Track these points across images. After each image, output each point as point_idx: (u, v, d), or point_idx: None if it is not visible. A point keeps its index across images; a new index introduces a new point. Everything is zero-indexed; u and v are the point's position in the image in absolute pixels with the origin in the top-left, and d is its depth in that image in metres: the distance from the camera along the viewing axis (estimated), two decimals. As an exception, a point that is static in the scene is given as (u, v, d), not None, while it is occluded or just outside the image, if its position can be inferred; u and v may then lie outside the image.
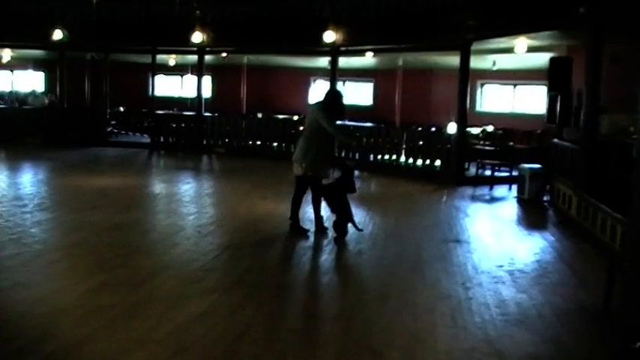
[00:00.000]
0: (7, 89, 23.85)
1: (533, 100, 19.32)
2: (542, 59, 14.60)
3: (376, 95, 22.94)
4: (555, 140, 12.46)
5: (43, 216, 9.41)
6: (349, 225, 8.57)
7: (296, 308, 5.92)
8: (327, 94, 9.04)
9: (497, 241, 9.16)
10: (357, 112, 21.58)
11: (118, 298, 5.84)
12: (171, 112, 21.94)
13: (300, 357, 4.73)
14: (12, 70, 24.65)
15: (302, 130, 8.82)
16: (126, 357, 4.58)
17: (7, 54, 21.70)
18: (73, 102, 21.38)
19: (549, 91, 12.86)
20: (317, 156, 8.44)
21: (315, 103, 9.02)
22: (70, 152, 18.00)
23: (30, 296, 5.80)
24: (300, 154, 8.51)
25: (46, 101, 22.01)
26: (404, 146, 16.10)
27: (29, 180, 13.34)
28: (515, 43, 14.09)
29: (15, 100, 21.97)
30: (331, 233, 8.59)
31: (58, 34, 18.78)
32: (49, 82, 23.74)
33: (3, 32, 18.97)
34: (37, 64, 24.48)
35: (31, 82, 24.24)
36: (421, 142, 15.79)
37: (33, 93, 22.39)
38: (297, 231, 8.69)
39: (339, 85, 18.89)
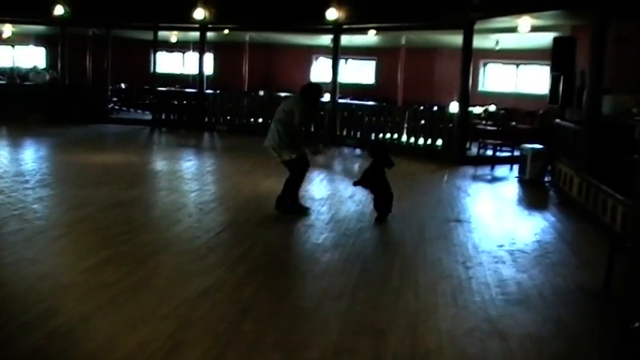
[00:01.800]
0: (9, 65, 23.73)
1: (536, 80, 19.24)
2: (546, 39, 14.53)
3: (379, 74, 22.86)
4: (557, 121, 12.44)
5: (45, 192, 9.44)
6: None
7: (299, 286, 5.96)
8: (310, 89, 8.83)
9: (498, 220, 9.18)
10: (360, 90, 21.57)
11: (122, 274, 5.88)
12: (173, 89, 21.87)
13: (303, 334, 4.77)
14: (13, 46, 24.53)
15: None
16: (130, 332, 4.61)
17: (8, 29, 21.58)
18: (75, 78, 21.34)
19: (552, 71, 12.82)
20: (294, 139, 8.51)
21: (296, 96, 9.03)
22: (71, 129, 17.99)
23: (34, 272, 5.84)
24: (277, 141, 8.51)
25: (48, 77, 21.94)
26: (406, 125, 16.08)
27: (31, 156, 13.35)
28: (519, 22, 14.00)
29: (16, 76, 21.89)
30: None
31: (59, 10, 18.72)
32: (51, 58, 23.64)
33: (4, 7, 18.86)
34: (38, 40, 24.35)
35: (32, 58, 24.12)
36: (423, 122, 15.77)
37: (34, 69, 22.31)
38: (298, 210, 8.69)
39: (341, 63, 18.77)
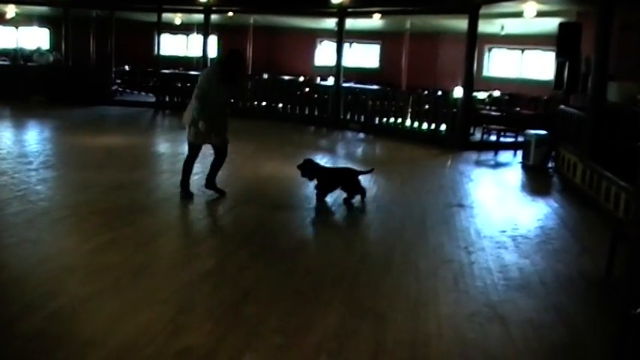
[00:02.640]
0: (12, 46, 23.68)
1: (540, 66, 19.18)
2: (551, 24, 14.45)
3: (383, 58, 22.82)
4: (562, 107, 12.40)
5: (49, 174, 9.45)
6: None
7: (300, 270, 5.97)
8: (227, 56, 8.01)
9: (501, 206, 9.17)
10: (364, 74, 21.52)
11: (124, 257, 5.89)
12: (176, 71, 21.84)
13: (304, 318, 4.78)
14: (16, 27, 24.48)
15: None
16: (131, 315, 4.63)
17: (11, 10, 21.52)
18: (78, 60, 21.31)
19: (557, 57, 12.76)
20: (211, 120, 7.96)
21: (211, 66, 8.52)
22: (74, 111, 17.98)
23: (36, 254, 5.85)
24: (189, 118, 8.04)
25: (51, 59, 21.91)
26: (410, 110, 16.04)
27: (34, 138, 13.35)
28: (525, 7, 13.94)
29: (20, 57, 21.86)
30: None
31: (63, -9, 18.65)
32: (54, 40, 23.60)
33: (8, -12, 18.85)
34: (41, 21, 24.30)
35: (36, 39, 24.06)
36: (427, 106, 15.73)
37: (38, 50, 22.26)
38: (186, 195, 8.30)
39: (345, 47, 18.72)
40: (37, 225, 6.79)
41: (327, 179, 8.47)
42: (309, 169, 8.47)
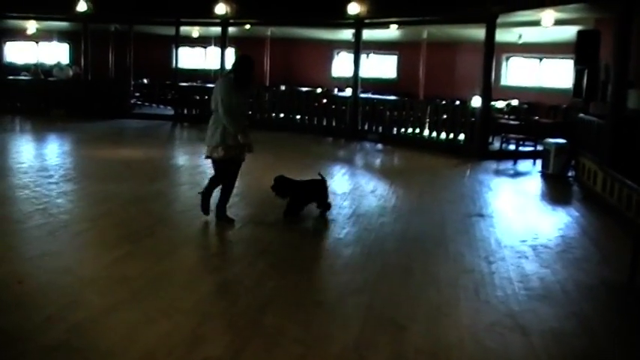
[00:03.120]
0: (33, 61, 23.94)
1: (559, 74, 19.07)
2: (570, 32, 14.40)
3: (400, 68, 22.80)
4: (581, 115, 12.33)
5: (69, 187, 9.52)
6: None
7: (319, 280, 5.96)
8: (237, 63, 7.61)
9: (521, 215, 9.11)
10: (381, 85, 21.51)
11: (144, 268, 5.92)
12: (194, 84, 21.96)
13: (323, 329, 4.76)
14: (37, 42, 24.76)
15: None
16: (151, 326, 4.64)
17: (32, 26, 21.79)
18: (98, 74, 21.51)
19: (576, 64, 12.70)
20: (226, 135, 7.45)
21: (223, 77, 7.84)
22: (94, 124, 18.13)
23: (58, 266, 5.89)
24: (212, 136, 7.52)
25: (71, 73, 22.12)
26: (428, 120, 16.01)
27: (54, 151, 13.47)
28: (542, 15, 13.88)
29: (40, 72, 22.09)
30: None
31: (82, 6, 18.88)
32: (74, 54, 23.83)
33: (28, 4, 19.07)
34: (61, 36, 24.53)
35: (56, 53, 24.32)
36: (445, 116, 15.69)
37: (58, 65, 22.49)
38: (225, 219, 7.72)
39: (363, 58, 18.75)
40: (58, 237, 6.84)
41: (303, 193, 8.20)
42: (285, 187, 8.07)
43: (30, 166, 11.09)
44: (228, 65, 20.36)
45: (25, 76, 21.87)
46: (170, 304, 5.08)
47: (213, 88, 7.77)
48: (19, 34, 23.55)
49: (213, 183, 7.81)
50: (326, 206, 8.33)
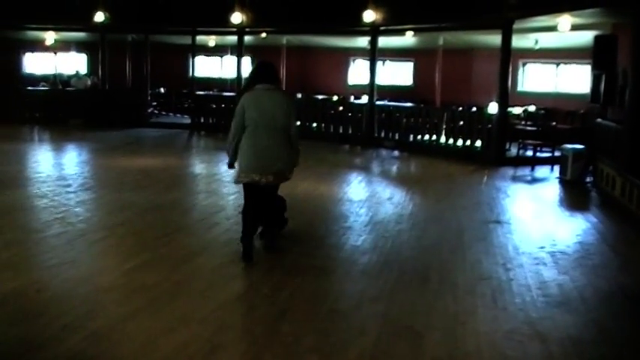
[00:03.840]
0: (51, 71, 24.15)
1: (576, 80, 18.97)
2: (587, 37, 14.32)
3: (416, 75, 22.76)
4: (599, 120, 12.25)
5: (87, 196, 9.59)
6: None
7: (336, 288, 5.95)
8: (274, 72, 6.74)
9: (539, 222, 9.06)
10: (397, 92, 21.49)
11: (161, 276, 5.94)
12: (211, 92, 22.04)
13: (340, 337, 4.75)
14: (55, 53, 24.97)
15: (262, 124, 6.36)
16: (169, 335, 4.65)
17: (50, 37, 22.00)
18: (115, 83, 21.68)
19: (593, 70, 12.62)
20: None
21: (279, 89, 6.67)
22: (112, 133, 18.26)
23: (75, 274, 5.93)
24: (281, 157, 6.44)
25: (89, 83, 22.29)
26: (444, 126, 15.96)
27: (73, 160, 13.57)
28: (559, 21, 13.82)
29: (58, 82, 22.28)
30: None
31: (99, 17, 19.04)
32: (91, 64, 24.01)
33: (46, 15, 19.26)
34: (79, 47, 24.75)
35: (74, 64, 24.52)
36: (462, 122, 15.64)
37: (76, 75, 22.68)
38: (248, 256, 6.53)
39: (379, 65, 18.77)
40: (76, 246, 6.89)
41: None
42: None
43: (48, 175, 11.18)
44: (245, 74, 20.60)
45: (43, 86, 22.06)
46: (187, 313, 5.09)
47: (261, 100, 6.43)
48: (38, 45, 23.80)
49: (256, 216, 6.65)
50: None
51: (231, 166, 6.68)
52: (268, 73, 6.61)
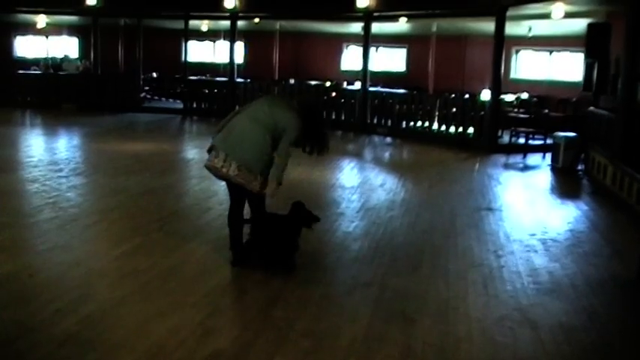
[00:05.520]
0: (43, 55, 24.01)
1: (569, 68, 19.00)
2: (580, 25, 14.35)
3: (409, 62, 22.74)
4: (591, 108, 12.28)
5: (79, 180, 9.56)
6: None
7: (328, 274, 5.97)
8: (312, 114, 6.05)
9: (530, 209, 9.09)
10: (390, 78, 21.47)
11: (153, 261, 5.94)
12: (203, 78, 21.98)
13: (332, 322, 4.78)
14: (47, 36, 24.82)
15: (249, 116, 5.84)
16: (161, 319, 4.66)
17: (42, 20, 21.86)
18: (107, 68, 21.57)
19: (586, 58, 12.66)
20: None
21: (292, 110, 5.88)
22: (104, 118, 18.20)
23: (68, 259, 5.92)
24: (251, 150, 5.73)
25: (80, 66, 22.17)
26: (437, 113, 15.97)
27: (64, 145, 13.52)
28: (552, 8, 13.83)
29: (50, 66, 22.16)
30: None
31: (91, 0, 18.89)
32: (84, 48, 23.88)
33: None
34: (71, 30, 24.61)
35: (66, 47, 24.38)
36: (454, 110, 15.66)
37: (66, 58, 22.57)
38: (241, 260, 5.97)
39: (372, 51, 18.73)
40: (68, 231, 6.88)
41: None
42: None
43: (40, 159, 11.14)
44: (238, 59, 20.55)
45: (35, 70, 21.95)
46: (179, 297, 5.10)
47: (266, 102, 5.96)
48: (30, 29, 23.64)
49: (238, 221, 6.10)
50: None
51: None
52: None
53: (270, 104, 5.88)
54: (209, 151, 6.04)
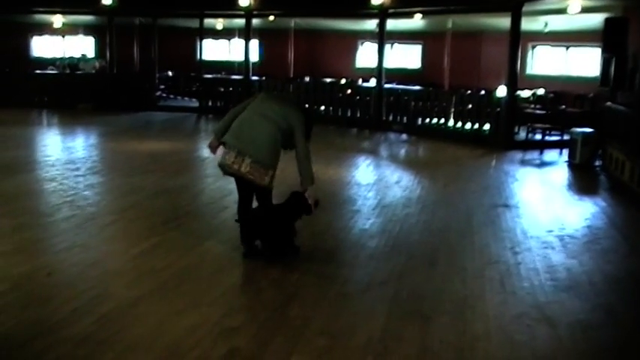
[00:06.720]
0: (59, 55, 24.16)
1: (586, 63, 18.85)
2: (597, 20, 14.21)
3: (425, 58, 22.65)
4: (608, 104, 12.18)
5: (96, 179, 9.61)
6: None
7: (344, 272, 5.96)
8: (305, 114, 6.13)
9: (547, 206, 9.04)
10: (406, 75, 21.41)
11: (170, 260, 5.96)
12: (219, 76, 22.01)
13: (349, 320, 4.77)
14: (63, 36, 24.98)
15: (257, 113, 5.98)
16: (178, 318, 4.68)
17: (58, 20, 21.99)
18: (123, 67, 21.68)
19: (603, 53, 12.54)
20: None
21: (297, 108, 6.14)
22: (120, 117, 18.28)
23: (85, 258, 5.96)
24: (263, 146, 5.89)
25: (97, 65, 22.28)
26: (452, 110, 15.91)
27: (81, 144, 13.59)
28: (569, 3, 13.73)
29: (67, 65, 22.29)
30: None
31: (107, 0, 18.98)
32: (99, 48, 24.02)
33: (54, -1, 19.30)
34: (87, 30, 24.75)
35: (82, 47, 24.52)
36: (470, 106, 15.59)
37: (83, 58, 22.69)
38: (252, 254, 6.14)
39: (387, 48, 18.68)
40: (85, 230, 6.92)
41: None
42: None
43: (57, 159, 11.21)
44: (253, 57, 20.56)
45: (51, 70, 22.09)
46: (196, 296, 5.12)
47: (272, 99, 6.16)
48: (46, 29, 23.82)
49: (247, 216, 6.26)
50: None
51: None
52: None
53: (277, 102, 6.07)
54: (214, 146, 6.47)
